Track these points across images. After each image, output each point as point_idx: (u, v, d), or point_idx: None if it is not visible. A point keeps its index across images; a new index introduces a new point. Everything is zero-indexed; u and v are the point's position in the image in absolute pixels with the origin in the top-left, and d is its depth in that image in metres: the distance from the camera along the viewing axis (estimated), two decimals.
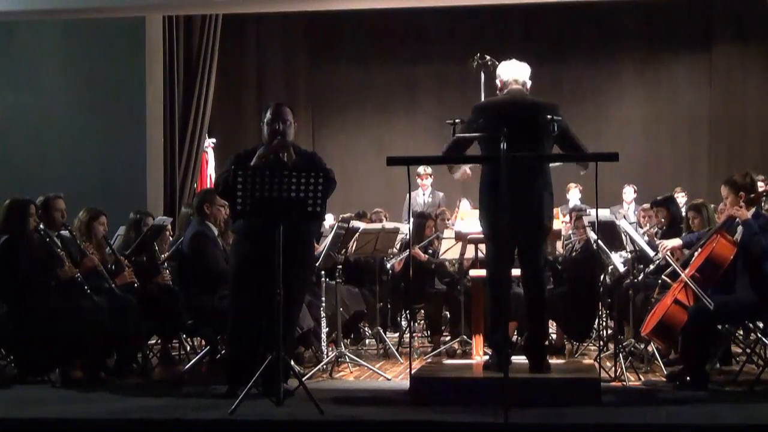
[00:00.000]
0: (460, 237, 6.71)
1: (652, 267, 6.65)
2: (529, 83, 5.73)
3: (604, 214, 8.06)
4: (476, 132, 5.47)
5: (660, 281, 6.45)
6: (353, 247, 7.15)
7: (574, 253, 7.68)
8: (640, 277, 6.78)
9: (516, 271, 5.83)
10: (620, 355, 6.10)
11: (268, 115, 5.51)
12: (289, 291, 5.17)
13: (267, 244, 5.13)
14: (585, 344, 7.58)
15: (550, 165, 5.64)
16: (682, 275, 5.88)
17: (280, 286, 5.03)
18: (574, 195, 10.89)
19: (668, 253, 6.22)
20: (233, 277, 5.60)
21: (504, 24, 12.49)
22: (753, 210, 5.80)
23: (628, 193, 11.17)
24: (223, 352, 6.50)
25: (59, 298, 6.07)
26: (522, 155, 5.23)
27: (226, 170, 5.44)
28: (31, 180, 8.98)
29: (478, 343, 6.37)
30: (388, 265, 8.08)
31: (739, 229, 5.84)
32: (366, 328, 8.42)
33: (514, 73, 5.69)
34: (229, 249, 6.20)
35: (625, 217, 7.77)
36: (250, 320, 5.42)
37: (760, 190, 6.09)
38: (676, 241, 6.36)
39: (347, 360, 6.69)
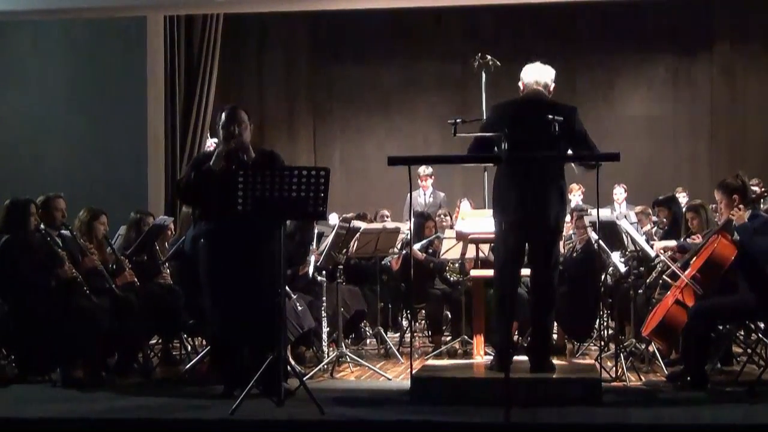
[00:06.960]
0: (461, 237, 6.71)
1: (654, 275, 6.62)
2: (552, 86, 5.70)
3: (605, 214, 8.05)
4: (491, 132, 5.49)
5: (661, 281, 6.45)
6: (354, 248, 7.15)
7: (575, 253, 7.67)
8: (643, 284, 6.77)
9: (524, 271, 5.82)
10: (621, 355, 6.09)
11: (223, 118, 5.51)
12: (258, 286, 5.23)
13: (236, 244, 5.21)
14: (586, 344, 7.57)
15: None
16: (683, 276, 5.88)
17: (282, 286, 5.04)
18: (575, 197, 10.89)
19: (668, 255, 6.21)
20: (209, 282, 5.50)
21: (504, 24, 12.47)
22: (749, 211, 5.78)
23: (619, 193, 11.15)
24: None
25: (60, 297, 6.06)
26: (522, 156, 5.20)
27: (186, 174, 5.54)
28: (31, 180, 8.96)
29: (479, 343, 6.37)
30: (384, 262, 8.07)
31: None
32: (367, 328, 8.41)
33: (536, 75, 5.68)
34: None
35: (626, 217, 7.76)
36: (233, 321, 5.41)
37: (759, 191, 6.07)
38: (671, 242, 6.36)
39: (348, 360, 6.69)
